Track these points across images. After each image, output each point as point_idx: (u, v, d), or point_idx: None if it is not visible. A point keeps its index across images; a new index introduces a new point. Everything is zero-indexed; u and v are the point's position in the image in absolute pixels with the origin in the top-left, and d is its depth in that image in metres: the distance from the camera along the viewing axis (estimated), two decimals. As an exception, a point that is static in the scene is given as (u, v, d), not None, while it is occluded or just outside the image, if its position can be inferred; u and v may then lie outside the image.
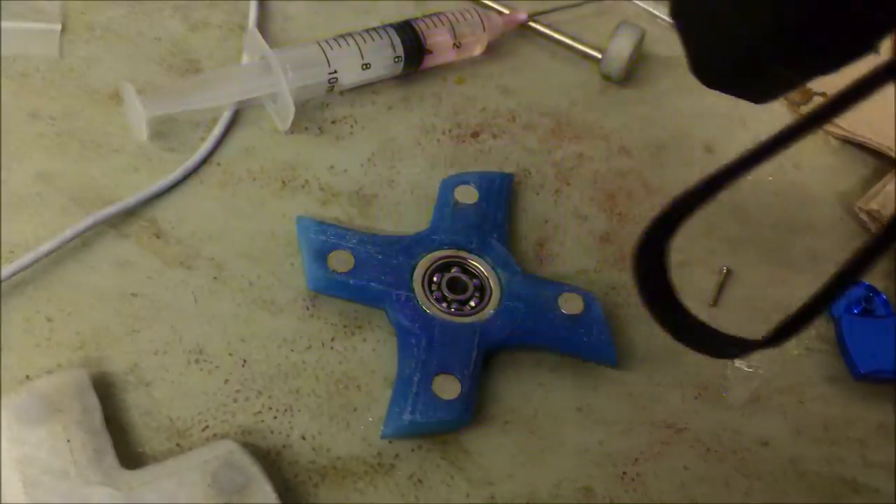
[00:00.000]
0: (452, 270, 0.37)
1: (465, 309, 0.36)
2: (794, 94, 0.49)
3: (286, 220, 0.38)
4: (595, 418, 0.36)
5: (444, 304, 0.36)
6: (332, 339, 0.35)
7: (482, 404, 0.35)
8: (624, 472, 0.35)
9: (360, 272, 0.36)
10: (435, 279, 0.37)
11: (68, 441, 0.29)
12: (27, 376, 0.32)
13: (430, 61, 0.44)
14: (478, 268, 0.37)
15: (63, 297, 0.34)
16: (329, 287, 0.35)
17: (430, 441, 0.34)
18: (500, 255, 0.38)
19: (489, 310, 0.36)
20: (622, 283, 0.40)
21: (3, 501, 0.28)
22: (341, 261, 0.36)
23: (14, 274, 0.33)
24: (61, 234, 0.35)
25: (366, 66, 0.42)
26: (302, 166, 0.40)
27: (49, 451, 0.29)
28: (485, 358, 0.35)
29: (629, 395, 0.37)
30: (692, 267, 0.41)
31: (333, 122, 0.42)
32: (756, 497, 0.35)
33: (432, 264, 0.37)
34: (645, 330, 0.39)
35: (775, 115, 0.48)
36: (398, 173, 0.41)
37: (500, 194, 0.40)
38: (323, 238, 0.36)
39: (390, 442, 0.33)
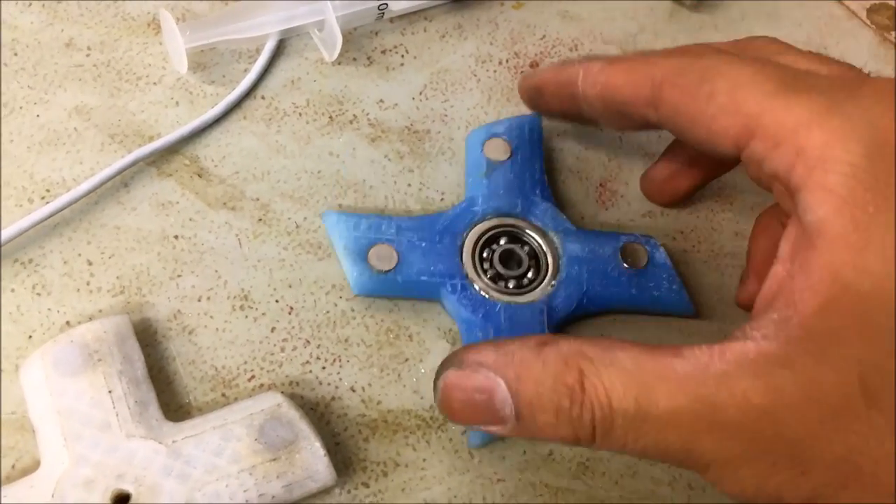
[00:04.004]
0: (502, 242, 0.34)
1: (524, 282, 0.33)
2: (884, 19, 0.45)
3: (333, 158, 0.36)
4: (660, 372, 0.34)
5: (502, 284, 0.33)
6: (383, 286, 0.33)
7: (540, 356, 0.33)
8: (690, 430, 0.33)
9: (407, 266, 0.32)
10: (485, 255, 0.33)
11: (110, 392, 0.28)
12: (67, 322, 0.31)
13: (486, -15, 0.41)
14: (528, 233, 0.34)
15: (103, 239, 0.33)
16: (377, 288, 0.32)
17: (485, 394, 0.32)
18: (548, 213, 0.34)
19: (551, 281, 0.33)
20: (691, 227, 0.37)
21: (42, 455, 0.28)
22: (383, 257, 0.32)
23: (52, 214, 0.32)
24: (101, 172, 0.33)
25: (418, -9, 0.39)
26: (350, 100, 0.38)
27: (90, 402, 0.28)
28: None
29: (697, 348, 0.34)
30: None
31: (383, 52, 0.39)
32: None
33: (479, 239, 0.34)
34: (715, 277, 0.36)
35: (861, 42, 0.45)
36: (452, 107, 0.38)
37: (532, 141, 0.36)
38: (357, 234, 0.32)
39: (443, 395, 0.32)
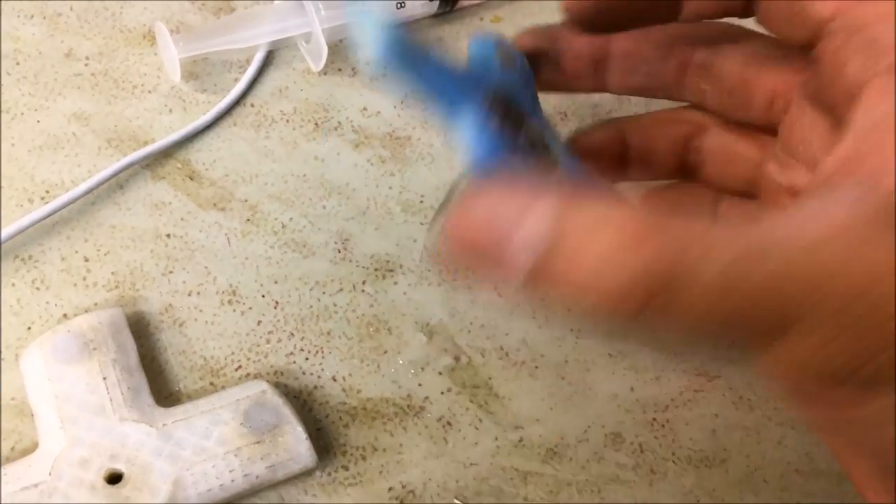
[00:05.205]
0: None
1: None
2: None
3: (319, 163, 0.38)
4: (626, 365, 0.36)
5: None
6: (363, 283, 0.35)
7: (512, 349, 0.35)
8: (654, 419, 0.35)
9: (433, 63, 0.25)
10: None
11: (104, 379, 0.30)
12: (64, 315, 0.33)
13: (466, -1, 0.43)
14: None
15: (99, 237, 0.34)
16: (405, 53, 0.23)
17: (459, 385, 0.34)
18: (549, 129, 0.30)
19: None
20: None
21: (40, 437, 0.29)
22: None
23: (51, 214, 0.34)
24: (97, 174, 0.35)
25: (400, 5, 0.41)
26: (335, 108, 0.40)
27: (86, 388, 0.30)
28: None
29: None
30: None
31: (367, 63, 0.41)
32: (788, 444, 0.35)
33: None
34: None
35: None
36: (432, 115, 0.40)
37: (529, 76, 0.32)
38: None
39: (420, 385, 0.34)
